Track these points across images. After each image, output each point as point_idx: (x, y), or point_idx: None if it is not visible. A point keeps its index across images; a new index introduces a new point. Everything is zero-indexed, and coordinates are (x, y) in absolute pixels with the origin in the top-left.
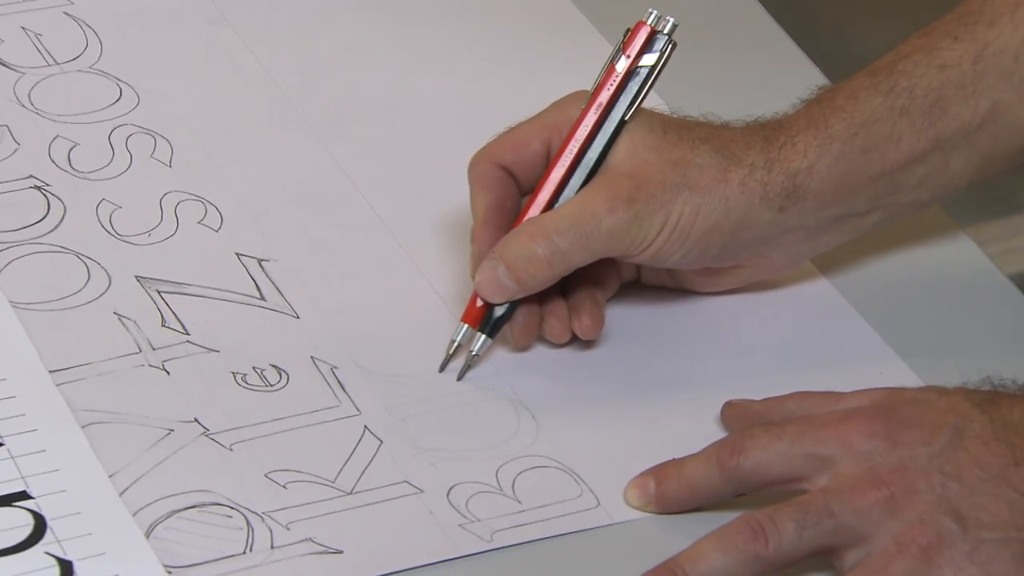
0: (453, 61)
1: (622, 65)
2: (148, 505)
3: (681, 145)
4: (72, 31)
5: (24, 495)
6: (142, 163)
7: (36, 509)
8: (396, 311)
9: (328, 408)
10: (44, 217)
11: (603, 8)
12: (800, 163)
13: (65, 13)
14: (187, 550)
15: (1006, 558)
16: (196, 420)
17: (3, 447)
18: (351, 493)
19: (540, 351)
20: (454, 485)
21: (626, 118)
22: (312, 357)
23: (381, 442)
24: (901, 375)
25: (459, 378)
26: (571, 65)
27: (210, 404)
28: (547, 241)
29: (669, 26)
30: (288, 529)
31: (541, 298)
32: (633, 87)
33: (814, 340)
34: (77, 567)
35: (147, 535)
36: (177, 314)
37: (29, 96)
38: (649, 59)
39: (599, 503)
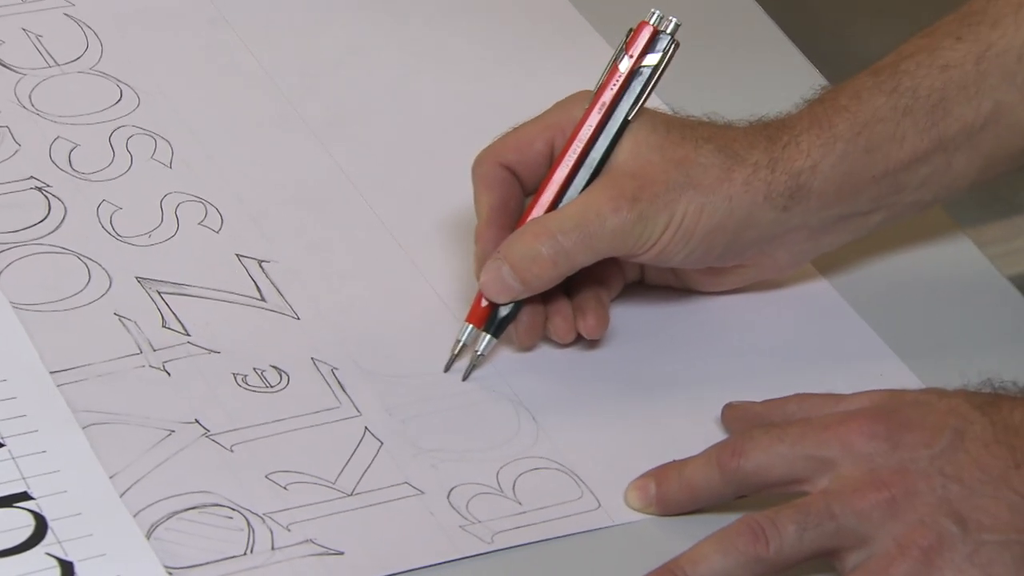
0: (452, 62)
1: (625, 65)
2: (149, 506)
3: (684, 145)
4: (73, 32)
5: (25, 496)
6: (143, 164)
7: (37, 510)
8: (396, 312)
9: (329, 409)
10: (45, 218)
11: (602, 8)
12: (803, 162)
13: (66, 14)
14: (188, 551)
15: (1006, 560)
16: (197, 421)
17: (4, 448)
18: (352, 494)
19: (540, 352)
20: (455, 486)
21: (629, 118)
22: (312, 358)
23: (382, 443)
24: (901, 377)
25: (464, 378)
26: (570, 65)
27: (211, 405)
28: (551, 241)
29: (672, 26)
30: (289, 530)
31: (546, 298)
32: (636, 87)
33: (815, 341)
34: (78, 568)
35: (148, 536)
36: (178, 315)
37: (30, 97)
38: (652, 59)
39: (600, 505)
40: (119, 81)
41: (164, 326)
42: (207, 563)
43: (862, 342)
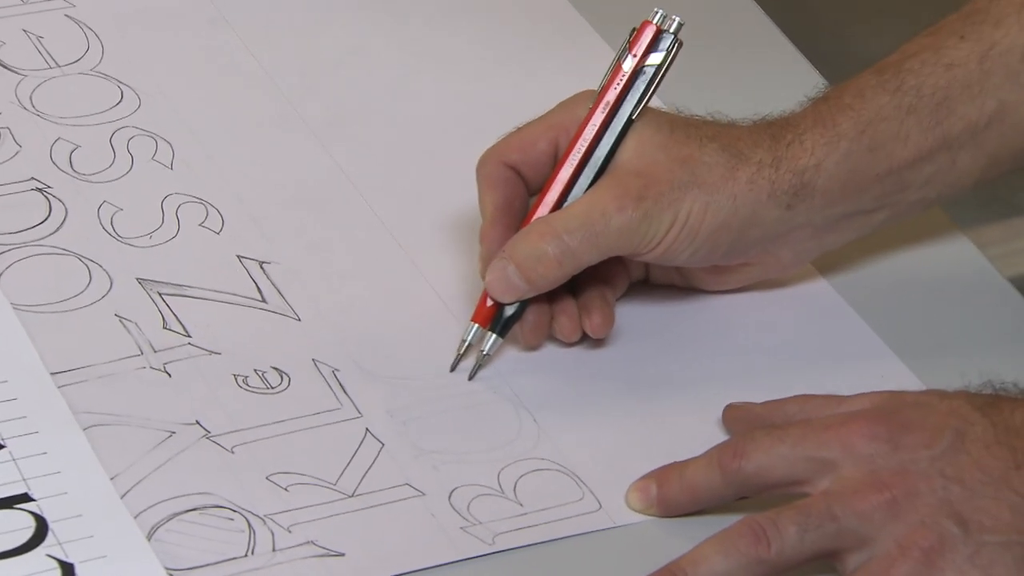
0: (452, 62)
1: (629, 64)
2: (150, 507)
3: (689, 143)
4: (73, 33)
5: (26, 497)
6: (143, 165)
7: (38, 511)
8: (397, 313)
9: (329, 410)
10: (46, 219)
11: (602, 8)
12: (808, 161)
13: (66, 16)
14: (189, 553)
15: (1007, 561)
16: (197, 422)
17: (5, 449)
18: (353, 496)
19: (541, 353)
20: (456, 488)
21: (633, 117)
22: (313, 359)
23: (383, 445)
24: (902, 378)
25: (470, 377)
26: (570, 65)
27: (211, 406)
28: (557, 240)
29: (675, 25)
30: (290, 532)
31: (551, 297)
32: (640, 86)
33: (817, 342)
34: (79, 569)
35: (149, 538)
36: (178, 316)
37: (31, 98)
38: (656, 58)
39: (601, 506)
40: (120, 82)
41: (165, 327)
42: (208, 565)
43: (863, 343)
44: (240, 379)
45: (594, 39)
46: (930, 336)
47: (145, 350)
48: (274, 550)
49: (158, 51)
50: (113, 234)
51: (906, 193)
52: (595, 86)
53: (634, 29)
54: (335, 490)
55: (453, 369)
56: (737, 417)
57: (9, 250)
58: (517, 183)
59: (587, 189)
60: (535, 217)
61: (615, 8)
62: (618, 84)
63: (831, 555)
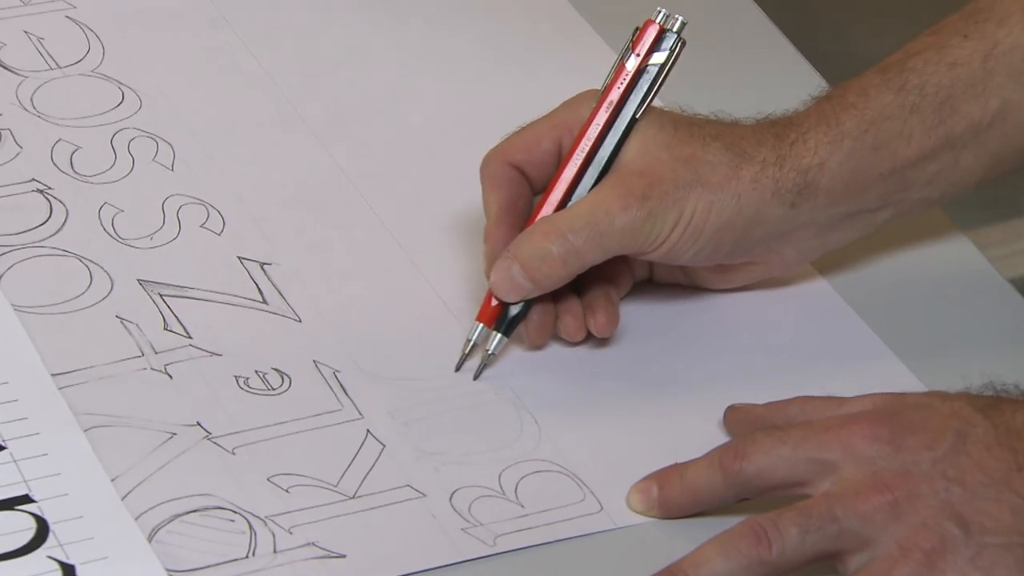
0: (452, 62)
1: (632, 63)
2: (150, 509)
3: (692, 143)
4: (74, 35)
5: (26, 499)
6: (144, 167)
7: (39, 513)
8: (398, 314)
9: (330, 412)
10: (46, 220)
11: (602, 8)
12: (811, 159)
13: (67, 17)
14: (190, 554)
15: (1009, 563)
16: (198, 424)
17: (5, 451)
18: (354, 497)
19: (542, 354)
20: (457, 489)
21: (637, 116)
22: (314, 361)
23: (384, 446)
24: (903, 379)
25: (475, 377)
26: (570, 66)
27: (212, 408)
28: (561, 240)
29: (678, 24)
30: (291, 533)
31: (556, 297)
32: (643, 85)
33: (818, 343)
34: (79, 571)
35: (149, 539)
36: (179, 317)
37: (32, 100)
38: (659, 57)
39: (602, 507)
40: (121, 83)
41: (166, 329)
42: (209, 566)
43: (864, 345)
44: (241, 380)
45: (594, 39)
46: (931, 337)
47: (146, 351)
48: (275, 551)
49: (159, 52)
50: (114, 235)
51: (909, 192)
52: (595, 86)
53: (637, 28)
54: (336, 491)
55: (458, 369)
56: (738, 419)
57: (10, 251)
58: (521, 182)
59: (591, 188)
60: (539, 216)
61: (615, 8)
62: (621, 83)
63: (832, 556)
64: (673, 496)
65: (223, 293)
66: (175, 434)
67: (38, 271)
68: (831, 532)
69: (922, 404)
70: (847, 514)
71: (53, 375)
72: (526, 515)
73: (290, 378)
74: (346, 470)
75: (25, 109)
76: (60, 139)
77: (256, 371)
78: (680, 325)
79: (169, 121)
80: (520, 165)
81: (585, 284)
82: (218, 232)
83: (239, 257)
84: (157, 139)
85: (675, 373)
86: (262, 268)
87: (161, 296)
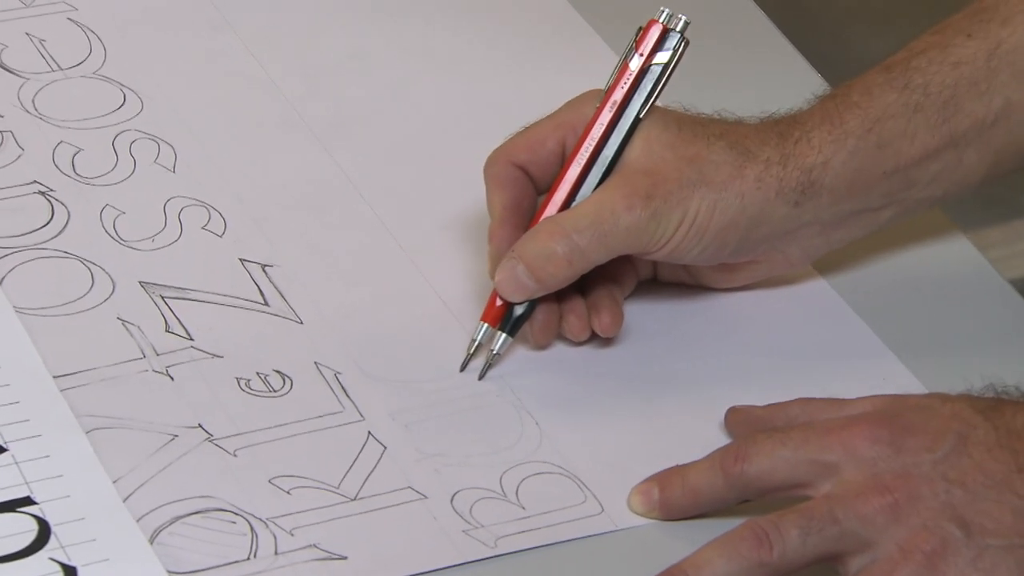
0: (453, 63)
1: (635, 63)
2: (152, 511)
3: (696, 142)
4: (76, 37)
5: (28, 500)
6: (146, 168)
7: (40, 515)
8: (399, 316)
9: (332, 414)
10: (48, 222)
11: (602, 9)
12: (815, 158)
13: (69, 19)
14: (191, 556)
15: (1010, 565)
16: (200, 426)
17: (7, 453)
18: (355, 499)
19: (543, 355)
20: (458, 491)
21: (640, 116)
22: (316, 362)
23: (385, 448)
24: (904, 380)
25: (480, 377)
26: (570, 66)
27: (214, 410)
28: (566, 239)
29: (681, 24)
30: (292, 535)
31: (560, 296)
32: (647, 85)
33: (819, 344)
34: (81, 573)
35: (151, 541)
36: (181, 319)
37: (33, 102)
38: (662, 57)
39: (603, 509)
40: (122, 85)
41: (167, 330)
42: (210, 568)
43: (865, 346)
44: (242, 382)
45: (594, 39)
46: (931, 338)
47: (147, 353)
48: (276, 553)
49: (160, 54)
50: (116, 237)
51: (913, 191)
52: (595, 86)
53: (640, 28)
54: (338, 493)
55: (463, 368)
56: (739, 420)
57: (11, 253)
58: (525, 183)
59: (595, 188)
60: (544, 216)
61: (615, 8)
62: (625, 83)
63: (833, 558)
64: (674, 498)
65: (224, 295)
66: (176, 436)
67: (40, 273)
68: (832, 534)
69: (923, 406)
70: (848, 516)
71: (55, 377)
72: (527, 517)
73: (291, 380)
74: (347, 472)
75: (27, 111)
76: (62, 141)
77: (257, 373)
78: (682, 325)
79: (170, 123)
80: (524, 165)
81: (589, 284)
82: (219, 234)
83: (240, 259)
84: (159, 141)
85: (676, 374)
86: (263, 270)
87: (163, 298)
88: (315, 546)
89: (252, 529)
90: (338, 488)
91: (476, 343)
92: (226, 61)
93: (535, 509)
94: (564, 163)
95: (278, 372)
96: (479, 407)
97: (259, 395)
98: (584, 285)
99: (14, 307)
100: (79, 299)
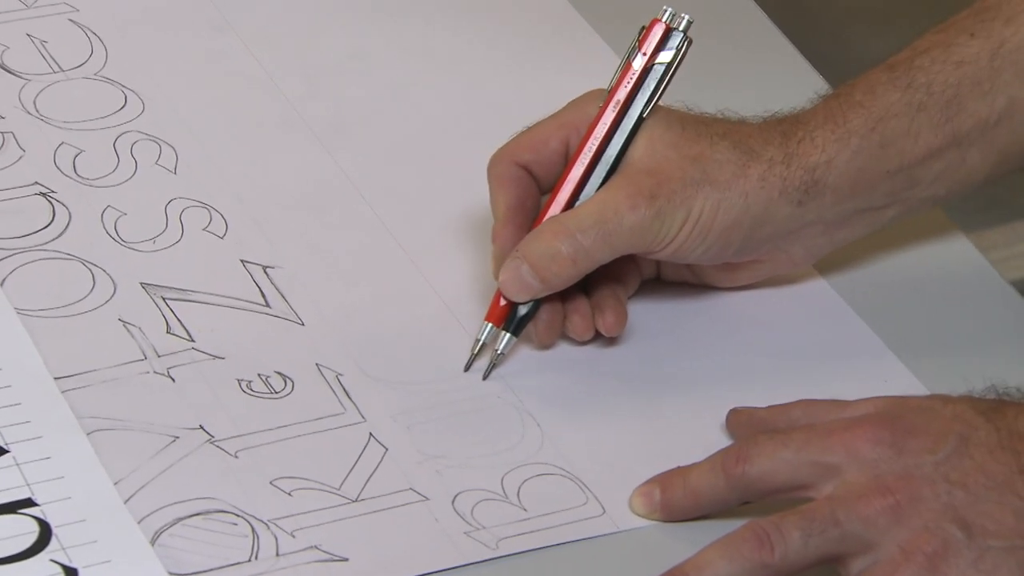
0: (453, 64)
1: (639, 63)
2: (153, 512)
3: (700, 141)
4: (77, 38)
5: (29, 502)
6: (147, 170)
7: (41, 516)
8: (401, 317)
9: (333, 415)
10: (49, 224)
11: (602, 9)
12: (818, 157)
13: (70, 20)
14: (192, 557)
15: (1012, 566)
16: (201, 427)
17: (8, 454)
18: (356, 500)
19: (544, 356)
20: (459, 493)
21: (644, 115)
22: (317, 364)
23: (386, 449)
24: (905, 382)
25: (485, 377)
26: (571, 65)
27: (215, 411)
28: (570, 239)
29: (684, 23)
30: (293, 537)
31: (564, 296)
32: (650, 84)
33: (820, 345)
34: (82, 574)
35: (152, 542)
36: (182, 321)
37: (34, 103)
38: (665, 56)
39: (604, 511)
40: (123, 86)
41: (168, 332)
42: (211, 569)
43: (866, 348)
44: (244, 384)
45: (594, 39)
46: (932, 340)
47: (149, 355)
48: (277, 555)
49: (161, 55)
50: (117, 239)
51: (916, 190)
52: (596, 86)
53: (643, 27)
54: (339, 495)
55: (467, 368)
56: (741, 422)
57: (13, 255)
58: (529, 182)
59: (599, 188)
60: (547, 216)
61: (616, 8)
62: (628, 82)
63: (835, 560)
64: (676, 499)
65: (226, 296)
66: (178, 437)
67: (41, 274)
68: (833, 536)
69: (924, 407)
70: (849, 517)
71: (56, 378)
72: (529, 518)
73: (293, 381)
74: (349, 473)
75: (28, 112)
76: (63, 142)
77: (259, 374)
78: (684, 324)
79: (172, 124)
80: (528, 165)
81: (593, 283)
82: (221, 235)
83: (242, 260)
84: (160, 142)
85: (677, 374)
86: (265, 271)
87: (164, 299)
88: (316, 547)
89: (253, 531)
90: (339, 490)
91: (480, 343)
92: (227, 62)
93: (536, 511)
94: (568, 163)
95: (279, 374)
96: (481, 408)
97: (260, 396)
98: (588, 285)
99: (15, 308)
100: (80, 300)
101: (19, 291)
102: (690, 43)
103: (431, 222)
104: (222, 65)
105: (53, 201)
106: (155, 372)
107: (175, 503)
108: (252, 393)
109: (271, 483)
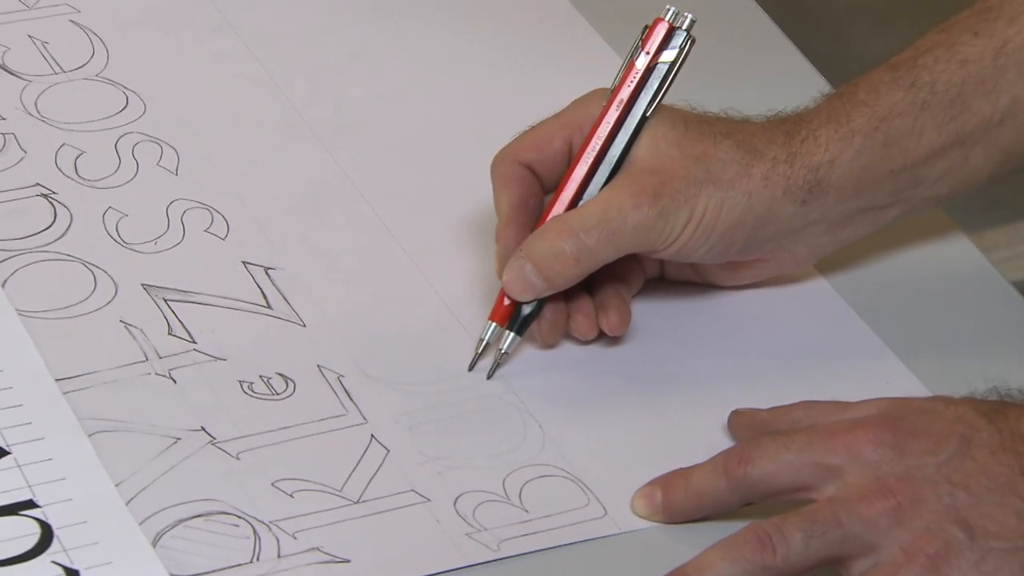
0: (454, 64)
1: (642, 62)
2: (155, 514)
3: (703, 140)
4: (78, 39)
5: (31, 504)
6: (148, 171)
7: (43, 518)
8: (402, 318)
9: (335, 416)
10: (51, 225)
11: (602, 9)
12: (822, 156)
13: (71, 21)
14: (194, 559)
15: (1013, 567)
16: (203, 429)
17: (10, 456)
18: (358, 502)
19: (546, 357)
20: (461, 494)
21: (647, 114)
22: (319, 365)
23: (388, 451)
24: (907, 383)
25: (489, 376)
26: (573, 66)
27: (217, 413)
28: (574, 238)
29: (687, 22)
30: (295, 538)
31: (567, 295)
32: (653, 83)
33: (821, 345)
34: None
35: (154, 544)
36: (184, 322)
37: (36, 104)
38: (669, 55)
39: (606, 512)
40: (125, 88)
41: (170, 333)
42: (213, 571)
43: (868, 349)
44: (245, 385)
45: (595, 39)
46: (933, 340)
47: (150, 356)
48: (279, 556)
49: (163, 56)
50: (118, 240)
51: (919, 189)
52: (596, 85)
53: (646, 26)
54: (340, 496)
55: (471, 368)
56: (742, 423)
57: (14, 256)
58: (532, 182)
59: (602, 187)
60: (551, 215)
61: (617, 8)
62: (631, 81)
63: (837, 561)
64: (677, 501)
65: (227, 298)
66: (179, 439)
67: (42, 276)
68: (835, 537)
69: (926, 409)
70: (851, 519)
71: (57, 380)
72: (530, 520)
73: (294, 383)
74: (350, 475)
75: (29, 113)
76: (64, 143)
77: (260, 376)
78: (687, 323)
79: (173, 125)
80: (531, 164)
81: (596, 283)
82: (222, 237)
83: (243, 262)
84: (161, 143)
85: (679, 374)
86: (266, 273)
87: (165, 301)
88: (318, 549)
89: (255, 532)
90: (341, 491)
91: (484, 342)
92: (228, 63)
93: (538, 512)
94: (571, 162)
95: (281, 375)
96: (482, 410)
97: (262, 398)
98: (591, 284)
99: (16, 310)
100: (81, 302)
101: (20, 292)
102: (693, 42)
103: (432, 223)
104: (223, 66)
105: (54, 202)
106: (156, 373)
107: (177, 505)
108: (254, 394)
109: (273, 485)
